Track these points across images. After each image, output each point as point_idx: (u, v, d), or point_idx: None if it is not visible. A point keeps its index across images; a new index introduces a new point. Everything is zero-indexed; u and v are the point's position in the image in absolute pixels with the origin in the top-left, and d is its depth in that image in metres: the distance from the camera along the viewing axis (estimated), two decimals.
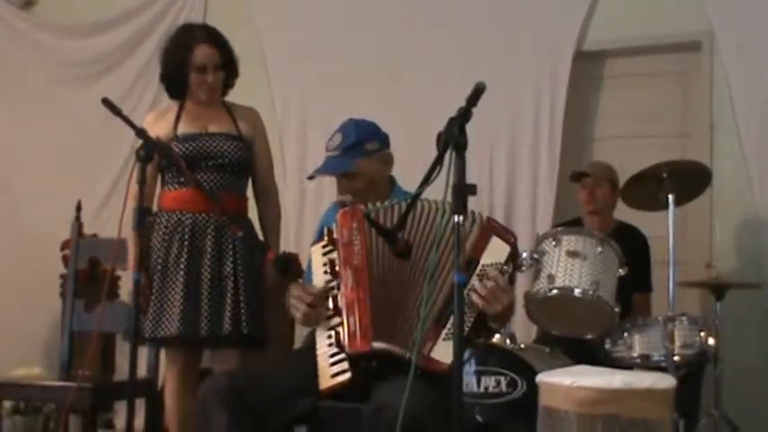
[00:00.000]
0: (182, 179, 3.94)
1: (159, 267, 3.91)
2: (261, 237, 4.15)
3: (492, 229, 3.22)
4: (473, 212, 3.19)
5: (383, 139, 3.56)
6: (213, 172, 3.96)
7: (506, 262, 3.17)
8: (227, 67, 4.06)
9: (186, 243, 3.91)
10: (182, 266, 3.89)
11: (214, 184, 3.95)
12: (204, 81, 3.98)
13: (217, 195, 3.90)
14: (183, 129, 3.99)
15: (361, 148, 3.46)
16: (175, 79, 4.04)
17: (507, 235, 3.24)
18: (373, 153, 3.49)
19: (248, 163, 4.08)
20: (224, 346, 3.96)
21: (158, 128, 3.98)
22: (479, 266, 3.14)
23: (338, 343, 3.13)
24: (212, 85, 4.01)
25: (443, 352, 3.03)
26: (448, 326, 3.07)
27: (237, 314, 3.88)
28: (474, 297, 3.08)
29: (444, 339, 3.06)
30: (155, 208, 4.04)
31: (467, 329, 3.08)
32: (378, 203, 3.29)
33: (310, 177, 3.62)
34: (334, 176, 3.54)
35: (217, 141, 3.98)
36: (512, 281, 3.24)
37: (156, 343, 4.07)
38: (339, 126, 3.55)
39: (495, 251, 3.17)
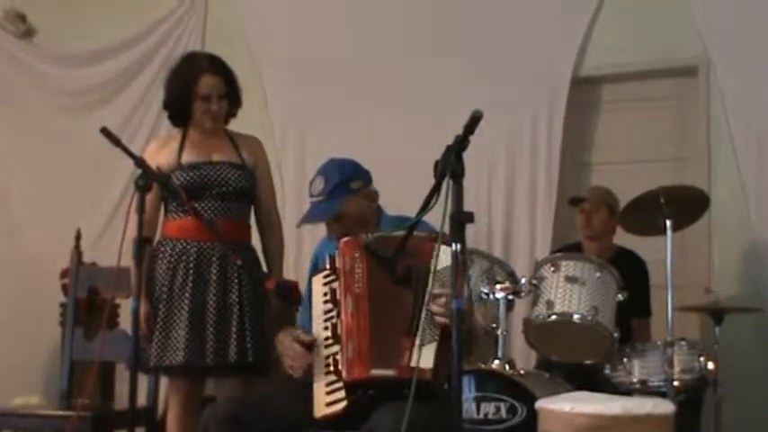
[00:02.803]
0: (186, 207, 3.95)
1: (164, 296, 3.92)
2: (263, 265, 4.16)
3: (432, 239, 3.13)
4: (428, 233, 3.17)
5: (365, 177, 3.53)
6: (217, 200, 3.97)
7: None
8: (231, 96, 4.09)
9: (191, 271, 3.92)
10: (187, 295, 3.89)
11: (217, 213, 3.96)
12: (209, 110, 4.00)
13: (216, 224, 3.91)
14: (187, 157, 4.01)
15: (346, 188, 3.43)
16: (179, 108, 4.05)
17: (445, 236, 3.17)
18: (358, 191, 3.46)
19: (251, 191, 4.10)
20: (229, 374, 3.97)
21: (161, 156, 4.00)
22: (432, 275, 3.09)
23: (336, 370, 3.12)
24: (216, 114, 4.02)
25: (423, 358, 3.00)
26: (419, 333, 3.04)
27: (243, 343, 3.88)
28: (437, 319, 3.06)
29: (420, 346, 3.03)
30: (159, 236, 4.06)
31: (437, 338, 3.05)
32: (376, 233, 3.30)
33: (300, 226, 3.59)
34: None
35: (221, 170, 3.99)
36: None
37: (161, 372, 4.07)
38: (320, 168, 3.52)
39: (441, 256, 3.11)
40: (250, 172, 4.09)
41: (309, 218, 3.48)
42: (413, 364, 3.00)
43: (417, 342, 3.04)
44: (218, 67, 4.06)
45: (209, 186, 3.95)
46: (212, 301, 3.90)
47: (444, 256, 3.06)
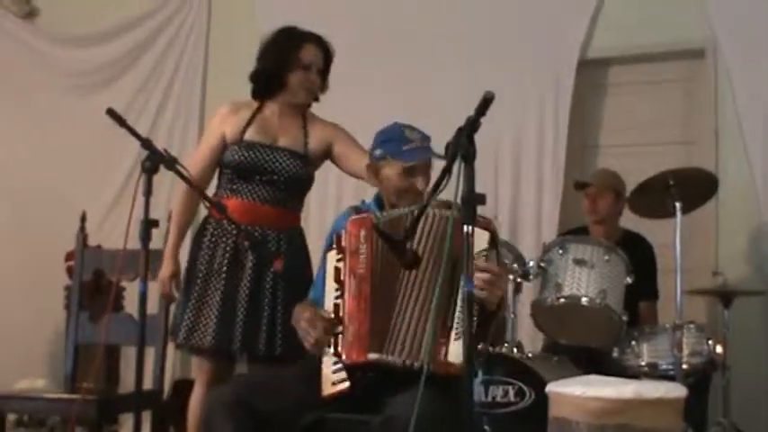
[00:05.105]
0: (233, 187, 3.91)
1: (202, 273, 3.88)
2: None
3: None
4: (447, 214, 3.11)
5: None
6: (265, 186, 3.90)
7: (488, 247, 3.11)
8: (324, 76, 4.05)
9: (228, 254, 3.87)
10: (222, 276, 3.85)
11: (262, 198, 3.89)
12: (308, 79, 3.96)
13: (224, 206, 3.79)
14: (251, 135, 3.93)
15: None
16: (272, 76, 3.98)
17: (482, 221, 3.11)
18: None
19: (305, 180, 4.01)
20: (256, 361, 3.90)
21: (231, 122, 3.95)
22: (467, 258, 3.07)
23: (336, 352, 3.13)
24: (314, 85, 3.99)
25: (457, 352, 2.97)
26: (455, 326, 3.02)
27: (272, 333, 3.81)
28: (476, 291, 3.03)
29: (455, 340, 3.02)
30: (205, 212, 4.03)
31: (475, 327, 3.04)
32: (385, 213, 3.27)
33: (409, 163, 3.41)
34: (420, 164, 3.38)
35: (278, 157, 3.91)
36: (498, 263, 3.18)
37: (187, 350, 4.01)
38: (397, 125, 3.44)
39: (476, 240, 3.01)
40: (310, 160, 4.00)
41: (431, 153, 3.37)
42: (449, 358, 3.00)
43: (453, 336, 3.02)
44: (321, 41, 4.03)
45: (258, 172, 3.88)
46: (246, 287, 3.84)
47: (480, 240, 3.04)
